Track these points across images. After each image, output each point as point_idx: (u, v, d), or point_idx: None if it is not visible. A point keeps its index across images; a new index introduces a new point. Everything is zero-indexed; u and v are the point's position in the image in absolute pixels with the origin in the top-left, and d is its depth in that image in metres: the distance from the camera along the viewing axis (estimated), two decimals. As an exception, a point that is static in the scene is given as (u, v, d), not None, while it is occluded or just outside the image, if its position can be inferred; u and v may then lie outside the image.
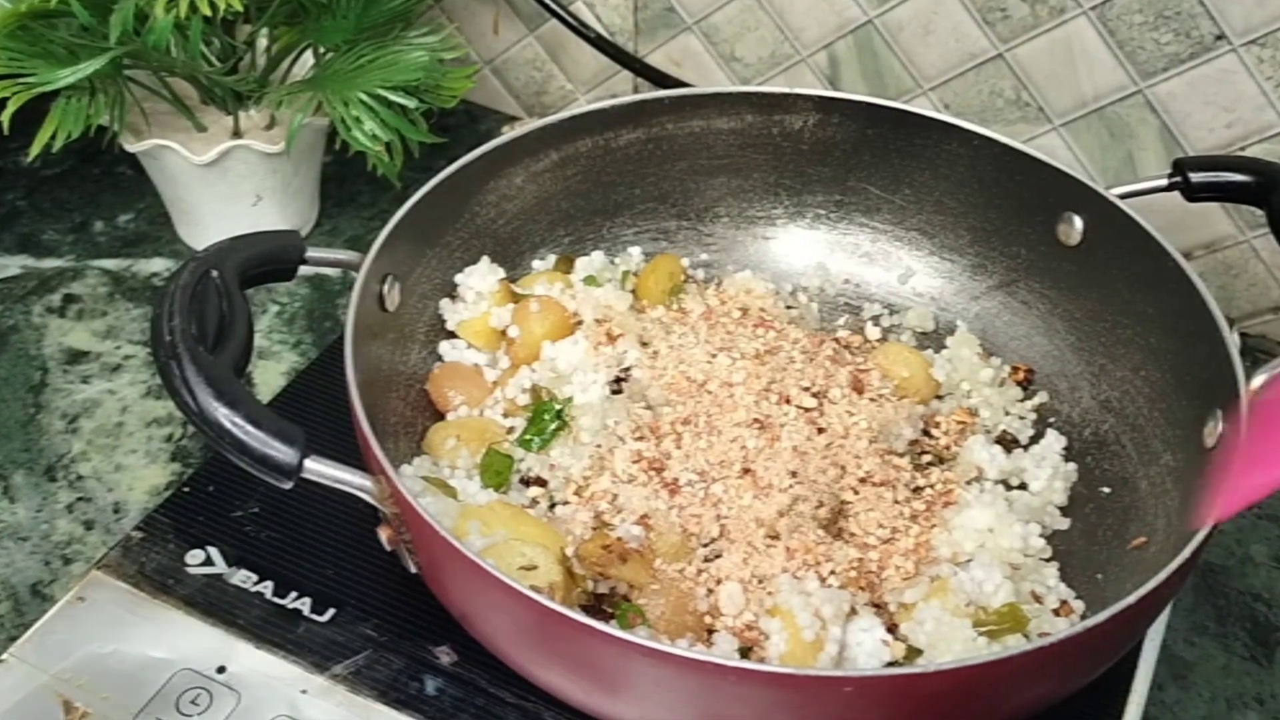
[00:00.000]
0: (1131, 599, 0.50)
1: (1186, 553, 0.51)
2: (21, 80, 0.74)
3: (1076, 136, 0.85)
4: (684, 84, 0.95)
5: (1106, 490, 0.67)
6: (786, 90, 0.76)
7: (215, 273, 0.55)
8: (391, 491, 0.53)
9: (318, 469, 0.52)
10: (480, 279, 0.72)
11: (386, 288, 0.66)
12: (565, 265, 0.77)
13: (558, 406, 0.67)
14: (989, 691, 0.51)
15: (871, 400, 0.70)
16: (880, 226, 0.79)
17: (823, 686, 0.48)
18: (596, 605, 0.60)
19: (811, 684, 0.48)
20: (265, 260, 0.60)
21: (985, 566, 0.60)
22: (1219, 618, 0.68)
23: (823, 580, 0.60)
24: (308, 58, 0.85)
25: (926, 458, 0.70)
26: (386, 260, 0.65)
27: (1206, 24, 0.77)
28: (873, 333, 0.77)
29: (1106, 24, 0.79)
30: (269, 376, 0.80)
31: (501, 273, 0.73)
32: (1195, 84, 0.79)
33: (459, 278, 0.72)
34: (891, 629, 0.60)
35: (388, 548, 0.57)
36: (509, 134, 0.73)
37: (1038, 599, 0.61)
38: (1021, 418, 0.72)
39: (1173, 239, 0.65)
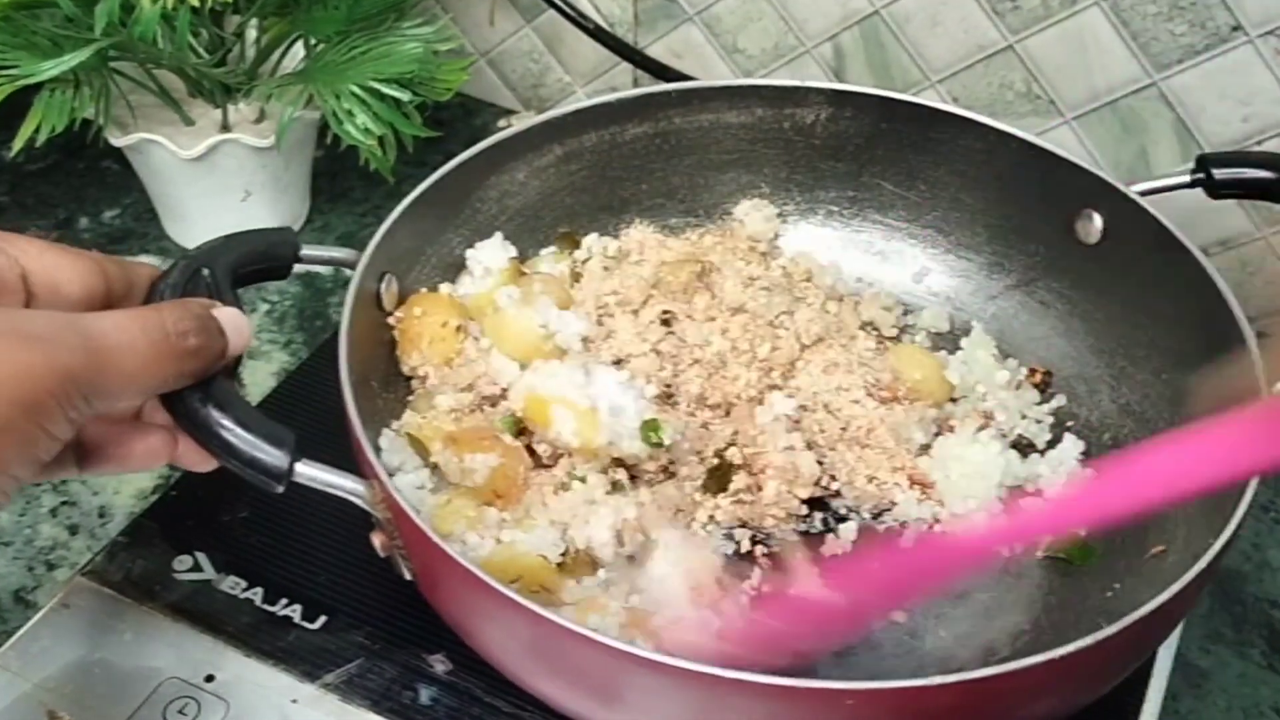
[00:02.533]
0: (1144, 610, 0.49)
1: (1203, 563, 0.51)
2: (4, 73, 0.74)
3: (1089, 130, 0.84)
4: (685, 76, 0.94)
5: None
6: (798, 83, 0.76)
7: (206, 271, 0.55)
8: (384, 496, 0.53)
9: (309, 473, 0.52)
10: (491, 254, 0.71)
11: (384, 286, 0.66)
12: (570, 243, 0.76)
13: None
14: (997, 705, 0.50)
15: (882, 403, 0.70)
16: (894, 224, 0.79)
17: (823, 698, 0.48)
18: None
19: (812, 696, 0.48)
20: (258, 259, 0.60)
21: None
22: (1235, 625, 0.68)
23: None
24: (298, 49, 0.85)
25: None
26: (383, 258, 0.65)
27: (1222, 15, 0.77)
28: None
29: (1119, 15, 0.79)
30: (259, 377, 0.79)
31: (514, 251, 0.72)
32: (1211, 76, 0.79)
33: (470, 252, 0.72)
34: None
35: (381, 554, 0.56)
36: (511, 128, 0.72)
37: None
38: (1038, 421, 0.71)
39: (1188, 235, 0.65)
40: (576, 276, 0.73)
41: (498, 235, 0.72)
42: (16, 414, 0.43)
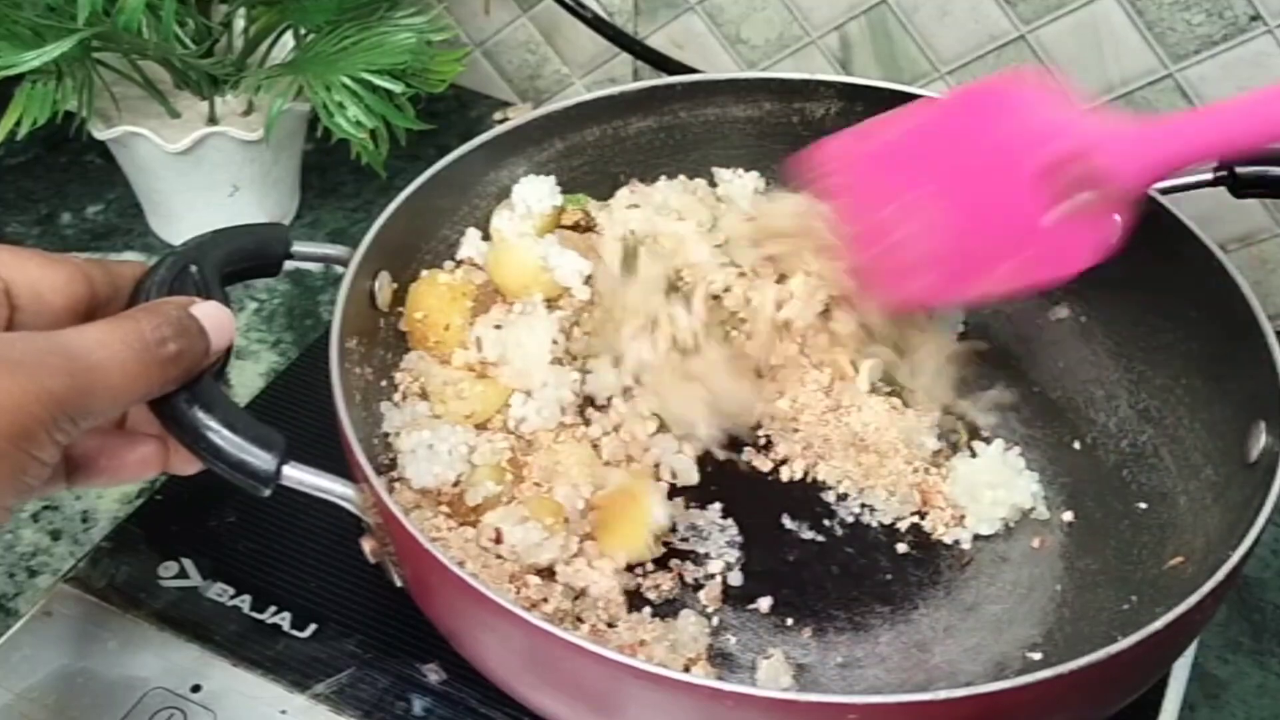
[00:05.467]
0: (1158, 624, 0.49)
1: (1220, 575, 0.51)
2: (-16, 63, 0.74)
3: (1103, 123, 0.84)
4: (686, 67, 0.94)
5: (1143, 506, 0.66)
6: (807, 76, 0.76)
7: (194, 268, 0.55)
8: (375, 501, 0.53)
9: (297, 476, 0.52)
10: (538, 192, 0.71)
11: (378, 284, 0.66)
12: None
13: None
14: (1005, 720, 0.51)
15: (893, 408, 0.70)
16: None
17: (826, 712, 0.48)
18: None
19: (814, 710, 0.48)
20: (248, 255, 0.60)
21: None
22: (1254, 634, 0.68)
23: None
24: (288, 40, 0.85)
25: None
26: (377, 255, 0.65)
27: (1240, 4, 0.76)
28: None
29: (1134, 4, 0.79)
30: (247, 377, 0.79)
31: (559, 199, 0.72)
32: (1229, 68, 0.79)
33: (517, 187, 0.71)
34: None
35: (371, 560, 0.56)
36: (511, 122, 0.72)
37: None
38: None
39: (1206, 231, 0.65)
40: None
41: (551, 177, 0.72)
42: (5, 445, 0.43)
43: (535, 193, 0.71)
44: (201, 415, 0.50)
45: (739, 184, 0.75)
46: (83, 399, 0.45)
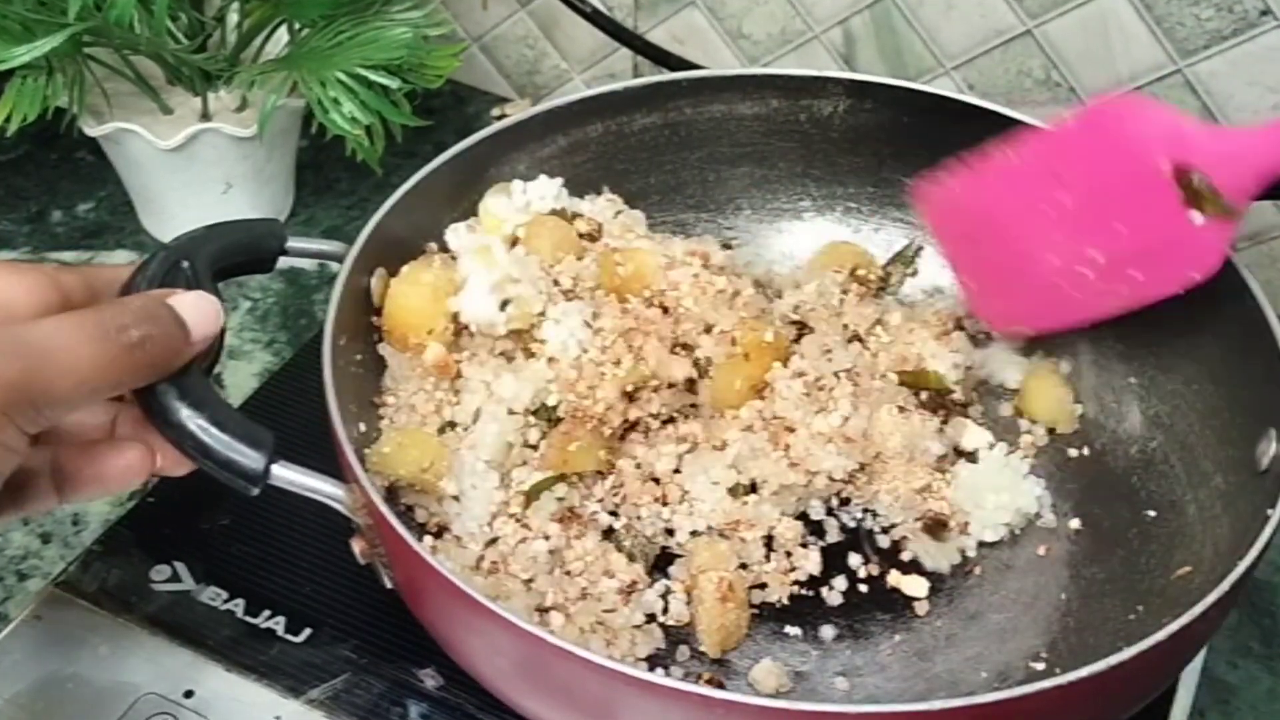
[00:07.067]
0: (1162, 635, 0.49)
1: (1225, 586, 0.51)
2: (-27, 59, 0.74)
3: (1111, 119, 0.84)
4: (687, 63, 0.94)
5: (1152, 514, 0.66)
6: (815, 73, 0.76)
7: (186, 264, 0.55)
8: (365, 502, 0.53)
9: (286, 476, 0.52)
10: (542, 190, 0.71)
11: (375, 281, 0.66)
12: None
13: None
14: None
15: (899, 410, 0.70)
16: (916, 221, 0.78)
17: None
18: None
19: (810, 719, 0.48)
20: (241, 250, 0.60)
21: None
22: (1264, 638, 0.68)
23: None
24: (282, 35, 0.85)
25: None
26: (374, 252, 0.65)
27: (1251, -2, 0.77)
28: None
29: (1143, -2, 0.79)
30: (240, 378, 0.79)
31: (554, 202, 0.71)
32: (1238, 63, 0.78)
33: (516, 182, 0.71)
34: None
35: (361, 561, 0.56)
36: (512, 117, 0.72)
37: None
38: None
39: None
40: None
41: (559, 180, 0.72)
42: None
43: (541, 190, 0.71)
44: (190, 412, 0.50)
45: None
46: (40, 383, 0.46)
